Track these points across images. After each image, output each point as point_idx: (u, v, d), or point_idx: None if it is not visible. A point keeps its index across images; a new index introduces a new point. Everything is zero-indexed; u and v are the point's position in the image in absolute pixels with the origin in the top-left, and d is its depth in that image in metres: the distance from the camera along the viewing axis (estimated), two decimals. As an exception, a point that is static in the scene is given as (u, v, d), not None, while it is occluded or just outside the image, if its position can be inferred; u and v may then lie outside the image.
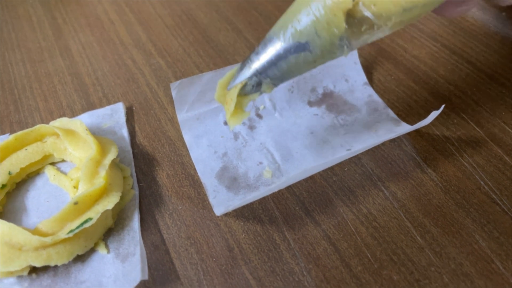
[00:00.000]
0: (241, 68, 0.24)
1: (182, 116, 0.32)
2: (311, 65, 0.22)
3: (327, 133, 0.31)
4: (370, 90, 0.34)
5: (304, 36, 0.21)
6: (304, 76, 0.34)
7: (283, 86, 0.34)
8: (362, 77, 0.34)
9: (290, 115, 0.32)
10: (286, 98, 0.33)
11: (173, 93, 0.31)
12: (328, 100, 0.33)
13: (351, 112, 0.32)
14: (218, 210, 0.26)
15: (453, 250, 0.24)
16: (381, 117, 0.32)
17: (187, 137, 0.31)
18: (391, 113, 0.32)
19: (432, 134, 0.30)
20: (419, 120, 0.31)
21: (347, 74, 0.34)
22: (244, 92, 0.24)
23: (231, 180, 0.28)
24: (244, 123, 0.32)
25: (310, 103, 0.33)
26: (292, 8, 0.22)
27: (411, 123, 0.31)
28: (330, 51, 0.22)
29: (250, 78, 0.23)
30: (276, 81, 0.23)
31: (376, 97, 0.33)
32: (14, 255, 0.23)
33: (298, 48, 0.22)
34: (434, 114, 0.27)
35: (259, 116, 0.32)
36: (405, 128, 0.29)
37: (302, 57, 0.22)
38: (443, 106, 0.27)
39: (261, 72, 0.23)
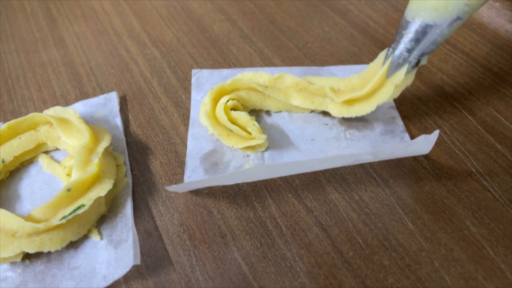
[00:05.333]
0: (398, 61, 0.27)
1: (195, 99, 0.33)
2: (459, 26, 0.26)
3: (327, 144, 0.30)
4: (394, 113, 0.31)
5: (455, 12, 0.25)
6: None
7: None
8: (390, 102, 0.32)
9: (300, 117, 0.32)
10: None
11: (193, 79, 0.34)
12: None
13: (363, 128, 0.30)
14: (172, 187, 0.25)
15: (444, 236, 0.24)
16: (393, 140, 0.30)
17: (192, 115, 0.32)
18: (407, 137, 0.30)
19: (424, 123, 0.30)
20: (412, 108, 0.32)
21: None
22: (406, 73, 0.27)
23: (212, 164, 0.28)
24: (252, 116, 0.31)
25: (324, 113, 0.32)
26: None
27: (403, 111, 0.31)
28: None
29: (409, 61, 0.27)
30: (430, 52, 0.27)
31: (398, 119, 0.31)
32: (8, 241, 0.23)
33: (452, 21, 0.25)
34: (431, 141, 0.25)
35: (268, 113, 0.32)
36: (401, 151, 0.26)
37: (455, 26, 0.25)
38: (437, 131, 0.24)
39: (415, 50, 0.27)
